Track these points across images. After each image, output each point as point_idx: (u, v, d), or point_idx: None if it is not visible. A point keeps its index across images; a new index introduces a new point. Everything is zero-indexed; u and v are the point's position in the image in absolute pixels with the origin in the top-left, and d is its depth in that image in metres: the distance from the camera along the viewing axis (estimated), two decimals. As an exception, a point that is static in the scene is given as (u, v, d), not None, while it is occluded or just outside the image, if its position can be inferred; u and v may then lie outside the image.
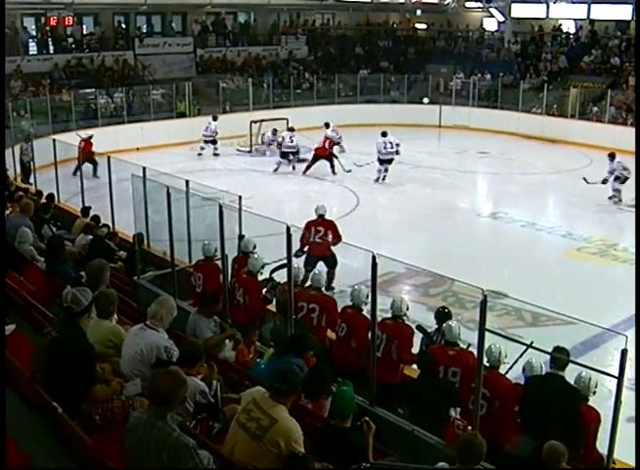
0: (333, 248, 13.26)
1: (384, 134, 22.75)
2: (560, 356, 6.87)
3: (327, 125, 25.36)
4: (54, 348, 5.72)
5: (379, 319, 7.76)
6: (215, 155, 26.56)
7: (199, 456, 4.50)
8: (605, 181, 19.21)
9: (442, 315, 8.80)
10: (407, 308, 8.47)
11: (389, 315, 8.49)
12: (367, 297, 8.46)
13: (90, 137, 23.25)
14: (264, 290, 10.01)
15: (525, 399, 7.03)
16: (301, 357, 7.05)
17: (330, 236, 13.32)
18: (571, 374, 6.89)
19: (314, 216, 13.59)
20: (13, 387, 6.18)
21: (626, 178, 19.40)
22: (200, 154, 26.31)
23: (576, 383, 6.86)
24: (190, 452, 4.43)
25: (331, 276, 12.82)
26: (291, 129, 25.32)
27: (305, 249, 13.19)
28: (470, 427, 6.70)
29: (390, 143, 22.41)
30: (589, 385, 6.87)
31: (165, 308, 6.71)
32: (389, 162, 22.49)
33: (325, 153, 23.35)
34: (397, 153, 22.56)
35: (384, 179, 22.59)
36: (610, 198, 19.71)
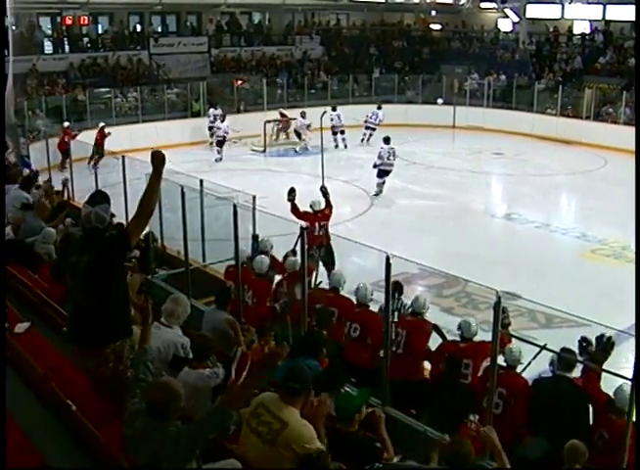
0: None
1: (387, 141, 21.94)
2: (567, 357, 6.87)
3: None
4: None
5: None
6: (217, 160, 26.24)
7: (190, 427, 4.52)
8: None
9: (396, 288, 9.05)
10: (427, 308, 8.63)
11: (409, 312, 8.74)
12: (372, 294, 8.93)
13: (103, 127, 23.51)
14: (276, 304, 10.02)
15: (531, 401, 7.04)
16: (316, 359, 7.04)
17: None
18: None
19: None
20: (27, 385, 6.22)
21: None
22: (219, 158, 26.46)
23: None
24: (191, 436, 4.46)
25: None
26: (334, 108, 27.48)
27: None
28: (482, 428, 6.69)
29: (394, 151, 21.66)
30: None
31: (181, 306, 6.76)
32: (388, 173, 21.52)
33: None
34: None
35: (381, 193, 21.54)
36: None
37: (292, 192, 13.34)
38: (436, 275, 13.15)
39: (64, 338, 6.04)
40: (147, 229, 12.22)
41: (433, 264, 11.20)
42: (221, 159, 25.93)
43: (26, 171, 16.86)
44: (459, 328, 8.13)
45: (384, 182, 21.55)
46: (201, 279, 10.63)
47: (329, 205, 14.13)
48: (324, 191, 14.29)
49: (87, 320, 5.52)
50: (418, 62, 38.74)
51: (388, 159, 21.44)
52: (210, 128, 27.97)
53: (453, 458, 5.20)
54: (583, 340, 7.25)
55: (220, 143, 26.23)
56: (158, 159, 5.26)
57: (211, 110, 28.63)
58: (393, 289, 8.68)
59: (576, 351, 7.16)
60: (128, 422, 4.61)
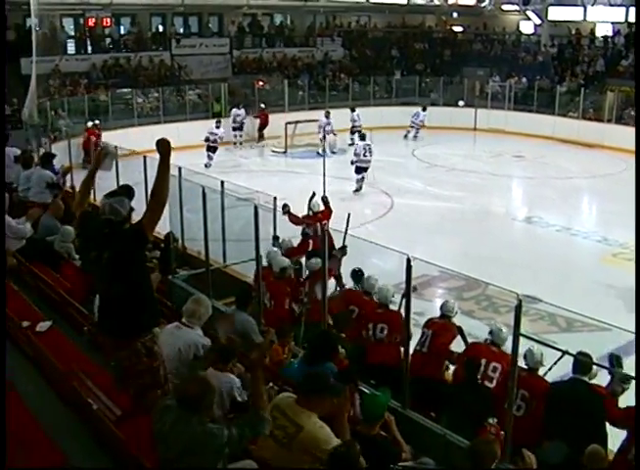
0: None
1: (362, 137, 22.48)
2: (583, 361, 6.85)
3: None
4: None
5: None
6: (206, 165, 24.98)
7: (231, 432, 4.56)
8: None
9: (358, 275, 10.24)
10: (456, 313, 8.68)
11: (438, 315, 8.82)
12: (393, 296, 9.02)
13: (95, 126, 23.58)
14: (294, 306, 10.04)
15: (547, 404, 7.03)
16: (332, 360, 7.03)
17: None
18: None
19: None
20: (49, 384, 6.26)
21: None
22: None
23: None
24: (221, 438, 4.50)
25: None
26: (353, 109, 27.93)
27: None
28: (503, 432, 6.68)
29: (369, 147, 21.89)
30: None
31: (203, 307, 6.78)
32: (366, 169, 21.79)
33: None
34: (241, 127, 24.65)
35: (361, 188, 21.86)
36: None
37: (285, 207, 13.24)
38: (457, 278, 13.12)
39: (98, 327, 6.06)
40: (167, 229, 12.34)
41: (453, 267, 11.16)
42: (210, 165, 24.68)
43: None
44: (490, 333, 8.14)
45: (362, 178, 21.87)
46: (221, 280, 10.64)
47: (328, 209, 14.26)
48: (325, 201, 14.42)
49: (113, 312, 5.56)
50: (439, 64, 38.69)
51: (365, 155, 21.73)
52: (234, 129, 28.22)
53: (477, 456, 5.21)
54: (614, 358, 7.22)
55: (212, 149, 25.45)
56: (163, 146, 5.14)
57: (234, 110, 28.79)
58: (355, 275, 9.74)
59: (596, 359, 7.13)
60: (158, 416, 4.65)
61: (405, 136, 30.76)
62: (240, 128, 28.78)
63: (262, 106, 30.46)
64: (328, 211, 14.29)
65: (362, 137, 22.55)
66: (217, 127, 25.82)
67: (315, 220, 13.65)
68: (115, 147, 16.18)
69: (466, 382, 7.84)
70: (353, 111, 28.67)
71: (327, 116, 27.64)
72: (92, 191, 6.07)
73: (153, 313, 5.66)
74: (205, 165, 24.41)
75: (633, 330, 6.79)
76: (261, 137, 30.01)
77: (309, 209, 14.22)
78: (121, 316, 5.48)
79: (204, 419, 4.54)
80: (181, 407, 4.55)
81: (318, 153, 26.54)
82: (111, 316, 5.61)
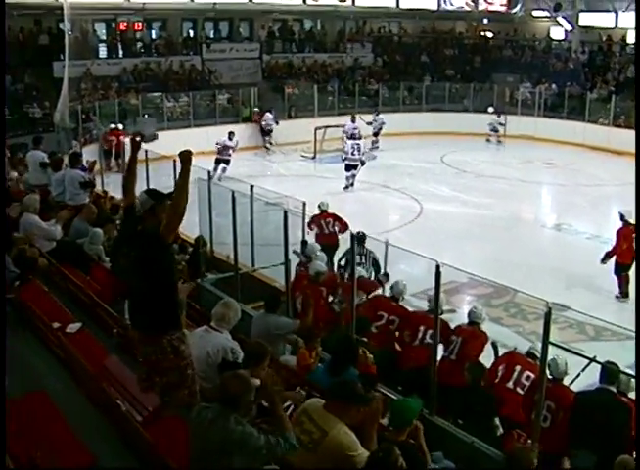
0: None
1: (352, 137, 23.77)
2: (610, 369, 6.82)
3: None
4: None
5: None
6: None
7: (268, 437, 4.60)
8: None
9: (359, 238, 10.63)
10: (484, 319, 8.69)
11: (466, 322, 8.87)
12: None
13: (117, 128, 23.75)
14: (333, 298, 10.08)
15: (573, 413, 6.99)
16: (354, 365, 7.03)
17: (337, 227, 14.47)
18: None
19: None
20: (78, 385, 6.31)
21: None
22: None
23: None
24: (258, 440, 4.54)
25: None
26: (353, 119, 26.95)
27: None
28: (530, 440, 6.67)
29: (358, 146, 22.87)
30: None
31: (233, 311, 6.80)
32: (356, 167, 22.68)
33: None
34: (363, 162, 23.04)
35: (352, 185, 22.68)
36: None
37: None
38: (485, 285, 13.07)
39: (130, 322, 6.12)
40: (196, 234, 12.42)
41: (482, 274, 11.13)
42: (214, 177, 22.92)
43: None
44: (530, 349, 8.23)
45: (352, 176, 22.71)
46: (249, 284, 10.68)
47: (343, 223, 14.64)
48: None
49: (140, 307, 5.68)
50: (469, 70, 38.57)
51: (353, 154, 22.73)
52: (264, 134, 28.45)
53: (515, 463, 5.23)
54: None
55: (222, 161, 24.20)
56: (184, 157, 5.28)
57: (267, 114, 28.87)
58: (357, 238, 9.58)
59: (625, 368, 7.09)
60: (196, 413, 4.72)
61: (488, 140, 31.33)
62: (269, 133, 28.83)
63: (256, 110, 30.13)
64: (340, 222, 14.63)
65: (352, 137, 23.75)
66: (230, 139, 24.95)
67: (321, 218, 14.48)
68: (146, 151, 16.39)
69: (470, 385, 7.87)
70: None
71: (353, 120, 27.61)
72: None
73: (171, 316, 5.68)
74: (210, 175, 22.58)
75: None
76: (268, 143, 29.36)
77: (318, 207, 14.67)
78: (146, 312, 5.56)
79: (242, 419, 4.59)
80: (221, 404, 4.63)
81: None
82: (137, 311, 5.70)
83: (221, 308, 6.81)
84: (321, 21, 38.72)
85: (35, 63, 28.15)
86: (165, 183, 14.95)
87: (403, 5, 36.99)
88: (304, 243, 11.47)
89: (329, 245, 13.43)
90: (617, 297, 14.02)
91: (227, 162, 24.34)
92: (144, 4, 29.47)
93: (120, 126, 25.10)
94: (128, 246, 5.73)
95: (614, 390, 6.88)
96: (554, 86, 33.97)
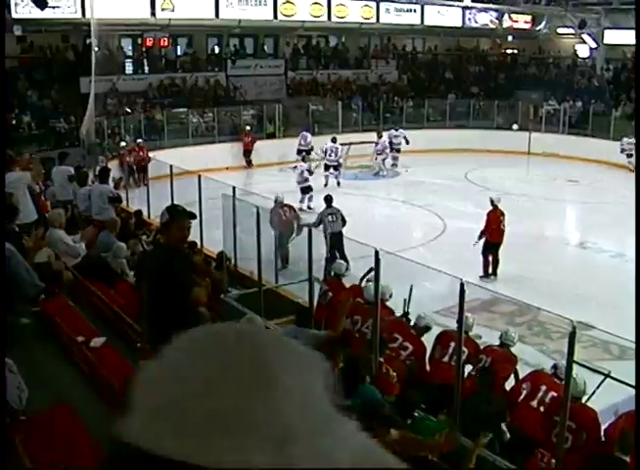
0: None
1: (333, 140, 26.06)
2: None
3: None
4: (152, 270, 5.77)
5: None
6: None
7: None
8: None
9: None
10: (515, 342, 8.71)
11: (497, 343, 8.88)
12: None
13: (139, 144, 23.93)
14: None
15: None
16: (363, 382, 7.02)
17: (291, 214, 16.08)
18: None
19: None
20: (102, 399, 6.34)
21: None
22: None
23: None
24: None
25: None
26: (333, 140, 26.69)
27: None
28: (553, 460, 6.63)
29: (337, 149, 25.65)
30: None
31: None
32: (336, 168, 25.56)
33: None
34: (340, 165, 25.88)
35: (334, 183, 24.96)
36: None
37: None
38: (508, 302, 13.02)
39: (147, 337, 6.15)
40: (219, 248, 12.47)
41: (505, 291, 11.12)
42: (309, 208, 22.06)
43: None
44: (554, 367, 8.24)
45: (327, 175, 25.39)
46: (273, 300, 10.71)
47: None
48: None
49: (155, 321, 5.67)
50: (494, 87, 38.57)
51: (330, 155, 25.49)
52: (298, 152, 28.05)
53: None
54: None
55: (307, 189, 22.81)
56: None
57: (304, 133, 28.98)
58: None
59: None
60: None
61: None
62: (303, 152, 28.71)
63: (248, 128, 29.67)
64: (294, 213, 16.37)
65: (333, 140, 26.12)
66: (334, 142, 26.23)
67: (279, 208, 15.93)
68: (171, 166, 16.48)
69: (479, 391, 7.85)
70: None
71: (380, 136, 27.84)
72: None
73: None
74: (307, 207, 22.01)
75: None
76: (249, 164, 29.05)
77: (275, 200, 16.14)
78: (161, 326, 5.58)
79: None
80: None
81: (375, 174, 26.76)
82: (155, 328, 5.72)
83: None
84: (346, 37, 38.78)
85: (62, 78, 28.41)
86: (190, 198, 15.10)
87: (428, 22, 36.97)
88: (328, 260, 11.50)
89: (287, 229, 15.18)
90: (481, 278, 15.61)
91: (335, 167, 25.85)
92: (170, 20, 29.67)
93: (139, 140, 25.20)
94: (150, 258, 5.80)
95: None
96: (579, 104, 33.90)
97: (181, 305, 5.57)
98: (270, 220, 13.49)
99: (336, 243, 14.56)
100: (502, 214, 16.70)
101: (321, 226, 15.21)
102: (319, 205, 17.57)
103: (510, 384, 8.53)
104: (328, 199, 16.29)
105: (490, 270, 16.22)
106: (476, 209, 22.20)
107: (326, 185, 24.76)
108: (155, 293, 5.70)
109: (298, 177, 22.25)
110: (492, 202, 16.93)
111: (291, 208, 16.50)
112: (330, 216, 15.70)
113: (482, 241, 16.44)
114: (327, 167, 25.73)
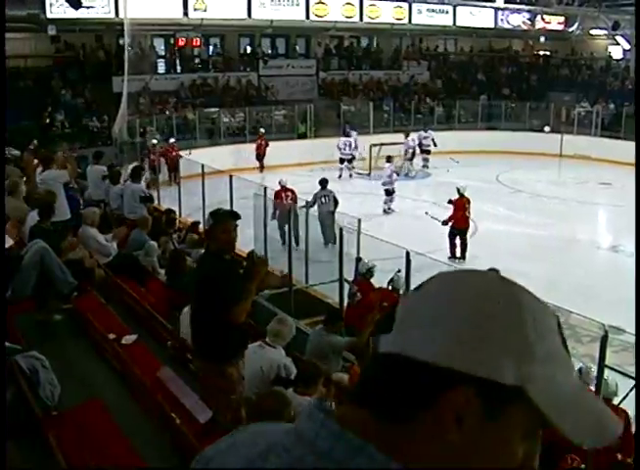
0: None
1: (347, 134, 28.02)
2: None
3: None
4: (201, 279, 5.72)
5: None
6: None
7: None
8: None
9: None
10: None
11: None
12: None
13: (171, 144, 23.92)
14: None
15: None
16: None
17: (292, 198, 17.65)
18: None
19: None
20: (133, 396, 6.39)
21: None
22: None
23: None
24: None
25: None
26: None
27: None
28: (584, 465, 6.59)
29: (350, 144, 27.26)
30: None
31: (287, 327, 6.84)
32: (350, 161, 27.28)
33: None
34: (354, 157, 27.47)
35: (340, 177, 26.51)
36: None
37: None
38: (539, 305, 12.92)
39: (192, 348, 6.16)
40: (250, 248, 12.49)
41: (535, 294, 11.04)
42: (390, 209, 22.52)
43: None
44: (579, 371, 8.11)
45: (341, 168, 27.10)
46: (303, 300, 10.72)
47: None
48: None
49: (200, 332, 5.68)
50: (526, 88, 38.38)
51: (344, 149, 27.27)
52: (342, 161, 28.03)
53: None
54: None
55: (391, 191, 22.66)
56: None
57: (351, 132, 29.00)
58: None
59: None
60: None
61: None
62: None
63: (262, 131, 28.77)
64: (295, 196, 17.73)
65: (346, 134, 28.03)
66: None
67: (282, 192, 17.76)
68: (202, 165, 16.55)
69: None
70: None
71: (406, 137, 27.98)
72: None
73: (232, 347, 5.68)
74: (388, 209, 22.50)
75: None
76: (262, 168, 27.88)
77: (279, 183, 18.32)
78: (205, 336, 5.58)
79: None
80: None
81: (406, 175, 26.79)
82: (199, 336, 5.72)
83: (276, 325, 6.86)
84: (377, 38, 38.78)
85: (95, 78, 28.63)
86: (221, 197, 15.15)
87: (460, 23, 36.89)
88: (358, 260, 11.48)
89: (287, 212, 16.05)
90: (449, 258, 16.69)
91: (349, 160, 27.48)
92: (202, 20, 29.80)
93: (172, 140, 25.26)
94: (200, 263, 5.82)
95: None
96: (611, 106, 33.64)
97: (222, 321, 5.55)
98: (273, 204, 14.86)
99: (326, 220, 16.59)
100: (468, 202, 17.81)
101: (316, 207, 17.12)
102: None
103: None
104: (322, 182, 18.51)
105: (459, 254, 17.36)
106: (507, 211, 22.18)
107: (340, 177, 26.50)
108: (198, 306, 5.70)
109: (385, 178, 22.22)
110: (458, 190, 17.92)
111: (292, 192, 18.02)
112: (323, 198, 17.88)
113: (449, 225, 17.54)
114: (341, 161, 27.28)
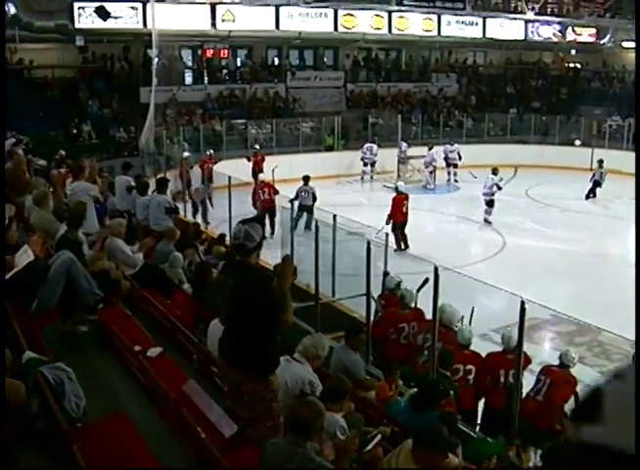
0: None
1: (369, 141, 29.96)
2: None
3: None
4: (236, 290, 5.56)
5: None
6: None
7: None
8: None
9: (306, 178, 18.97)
10: (575, 363, 8.55)
11: (557, 363, 8.73)
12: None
13: (210, 155, 23.78)
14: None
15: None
16: (436, 408, 6.91)
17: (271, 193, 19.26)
18: None
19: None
20: (158, 410, 6.33)
21: None
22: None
23: None
24: None
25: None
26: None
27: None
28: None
29: (371, 147, 29.42)
30: None
31: (320, 349, 6.76)
32: (367, 164, 29.45)
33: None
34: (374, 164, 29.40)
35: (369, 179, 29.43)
36: None
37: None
38: (568, 322, 12.78)
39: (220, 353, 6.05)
40: (277, 261, 12.44)
41: (565, 311, 10.91)
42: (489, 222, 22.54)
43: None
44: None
45: (364, 171, 29.55)
46: (329, 314, 10.64)
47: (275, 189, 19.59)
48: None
49: (234, 342, 5.60)
50: (556, 102, 38.17)
51: (365, 153, 29.47)
52: (365, 164, 29.54)
53: None
54: None
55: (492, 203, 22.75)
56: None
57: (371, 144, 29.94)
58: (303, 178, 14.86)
59: None
60: (271, 445, 4.73)
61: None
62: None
63: (257, 147, 27.48)
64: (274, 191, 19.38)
65: (370, 141, 29.92)
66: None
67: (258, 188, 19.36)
68: (229, 177, 16.54)
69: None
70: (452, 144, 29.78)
71: (430, 149, 28.09)
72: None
73: (264, 362, 5.59)
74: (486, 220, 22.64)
75: None
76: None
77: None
78: (242, 349, 5.50)
79: (313, 454, 4.57)
80: (293, 433, 4.62)
81: (425, 187, 26.84)
82: (231, 345, 5.64)
83: (308, 342, 6.79)
84: (406, 50, 38.75)
85: (122, 88, 28.77)
86: (247, 209, 15.12)
87: (489, 35, 36.72)
88: (386, 274, 11.39)
89: (269, 208, 18.40)
90: (395, 250, 17.04)
91: (371, 164, 29.63)
92: (230, 31, 29.86)
93: (209, 152, 25.24)
94: (226, 272, 5.74)
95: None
96: (643, 119, 33.34)
97: (268, 332, 5.48)
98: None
99: (303, 212, 18.70)
100: (406, 198, 19.54)
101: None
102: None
103: (570, 406, 8.35)
104: (305, 178, 20.31)
105: (403, 246, 18.91)
106: (536, 225, 22.01)
107: (362, 179, 29.42)
108: (238, 319, 5.57)
109: (486, 189, 22.34)
110: (397, 188, 20.21)
111: (270, 187, 19.50)
112: (303, 193, 19.86)
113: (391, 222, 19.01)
114: (364, 164, 29.49)
